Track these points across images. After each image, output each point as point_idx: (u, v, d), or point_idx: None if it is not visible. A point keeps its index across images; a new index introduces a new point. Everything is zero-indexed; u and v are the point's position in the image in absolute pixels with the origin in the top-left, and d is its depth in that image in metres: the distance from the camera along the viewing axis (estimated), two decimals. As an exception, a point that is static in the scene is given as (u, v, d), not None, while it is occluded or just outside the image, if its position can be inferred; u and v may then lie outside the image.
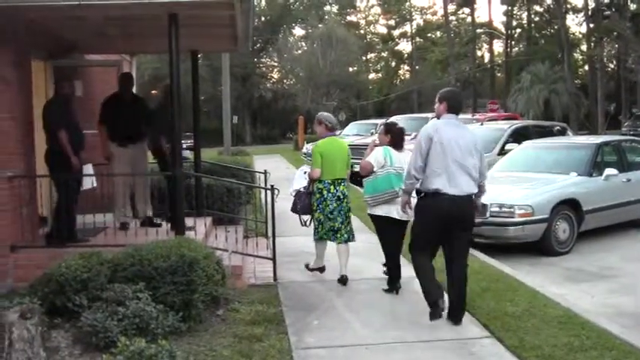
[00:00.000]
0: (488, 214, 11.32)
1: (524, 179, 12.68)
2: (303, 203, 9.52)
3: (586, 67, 63.05)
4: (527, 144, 14.92)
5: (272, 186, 9.80)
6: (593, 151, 13.12)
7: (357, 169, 9.39)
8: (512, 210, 11.24)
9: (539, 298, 8.35)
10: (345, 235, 9.46)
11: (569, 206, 11.78)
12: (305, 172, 9.67)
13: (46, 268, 7.34)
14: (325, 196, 9.36)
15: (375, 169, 8.83)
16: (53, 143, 9.42)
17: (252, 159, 24.90)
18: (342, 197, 9.41)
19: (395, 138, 9.00)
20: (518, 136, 16.83)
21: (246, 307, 8.01)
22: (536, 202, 11.41)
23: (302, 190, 9.56)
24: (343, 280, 9.30)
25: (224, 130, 32.94)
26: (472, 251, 10.99)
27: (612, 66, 66.00)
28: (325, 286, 9.19)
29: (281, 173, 17.75)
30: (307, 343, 7.03)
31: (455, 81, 68.47)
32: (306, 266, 10.00)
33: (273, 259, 9.68)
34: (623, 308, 8.44)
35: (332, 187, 9.36)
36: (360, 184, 9.69)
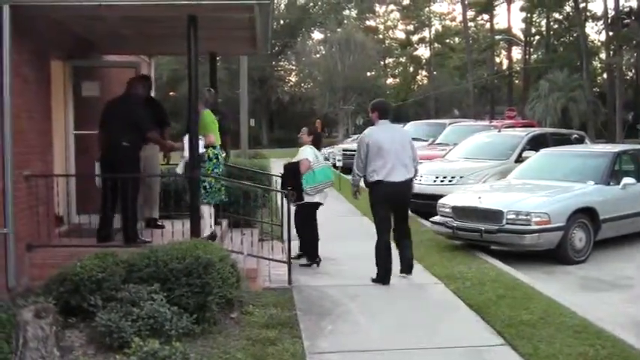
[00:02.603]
0: (504, 222, 11.28)
1: (541, 187, 12.61)
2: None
3: (604, 76, 62.73)
4: (544, 152, 14.84)
5: (288, 188, 9.81)
6: (611, 159, 13.03)
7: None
8: (528, 217, 11.18)
9: (554, 307, 8.30)
10: (225, 195, 10.48)
11: (585, 215, 11.70)
12: (201, 139, 9.97)
13: (62, 268, 7.36)
14: (220, 161, 10.40)
15: (311, 164, 10.52)
16: (125, 141, 9.50)
17: (269, 162, 24.90)
18: (219, 162, 10.48)
19: (315, 138, 11.02)
20: (536, 143, 16.71)
21: (260, 310, 8.01)
22: (552, 210, 11.35)
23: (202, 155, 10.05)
24: (213, 237, 9.90)
25: (241, 132, 32.97)
26: (488, 259, 11.06)
27: (631, 74, 65.65)
28: (340, 291, 9.18)
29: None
30: (321, 348, 7.02)
31: (472, 87, 68.30)
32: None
33: (288, 263, 9.68)
34: (639, 318, 8.36)
35: (222, 151, 10.58)
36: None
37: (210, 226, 10.12)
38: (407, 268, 9.97)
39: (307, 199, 10.57)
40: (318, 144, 11.08)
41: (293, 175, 10.66)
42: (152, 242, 9.32)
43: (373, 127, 10.01)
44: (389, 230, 9.82)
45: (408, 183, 9.78)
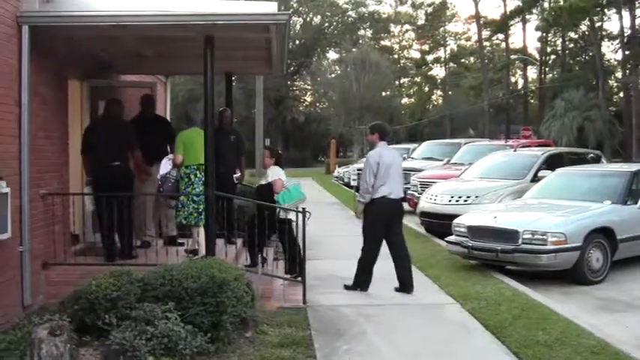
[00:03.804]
0: (520, 241, 11.21)
1: (557, 206, 12.53)
2: (168, 187, 10.39)
3: (621, 95, 62.51)
4: (560, 171, 14.76)
5: (304, 209, 9.81)
6: (628, 179, 12.94)
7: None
8: (545, 237, 11.11)
9: (571, 327, 8.23)
10: (202, 218, 10.11)
11: (602, 234, 11.61)
12: (169, 159, 10.49)
13: (77, 286, 7.39)
14: (192, 180, 10.27)
15: (284, 183, 10.85)
16: (127, 161, 9.84)
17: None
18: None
19: (278, 159, 11.18)
20: (552, 163, 16.62)
21: (274, 329, 7.99)
22: (569, 230, 11.27)
23: (168, 175, 10.42)
24: (196, 252, 10.13)
25: (256, 152, 33.09)
26: (504, 279, 10.97)
27: (648, 93, 65.30)
28: (355, 311, 9.14)
29: (312, 196, 17.78)
30: (336, 368, 6.99)
31: (488, 107, 68.17)
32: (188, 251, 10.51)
33: (303, 282, 9.65)
34: (657, 339, 8.28)
35: (197, 172, 10.27)
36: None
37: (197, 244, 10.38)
38: (410, 287, 10.24)
39: (282, 215, 10.66)
40: (280, 164, 11.19)
41: (268, 195, 10.75)
42: (138, 257, 9.80)
43: (378, 148, 10.37)
44: (380, 245, 10.28)
45: (402, 200, 10.52)
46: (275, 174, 10.89)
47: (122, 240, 9.94)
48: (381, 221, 10.17)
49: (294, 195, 10.88)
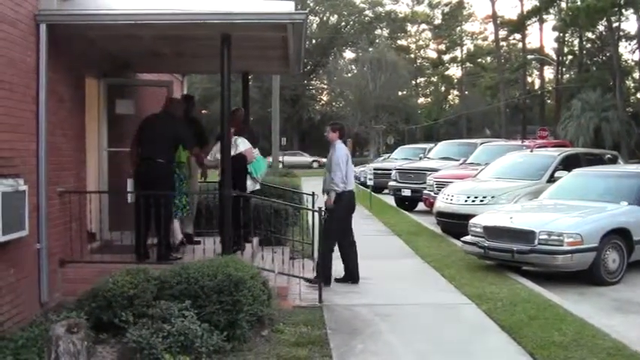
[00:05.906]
0: (536, 242, 11.18)
1: (573, 207, 12.47)
2: None
3: (638, 95, 62.18)
4: (577, 172, 14.68)
5: (320, 208, 9.82)
6: (645, 180, 12.87)
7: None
8: (561, 238, 11.06)
9: (587, 328, 8.19)
10: (187, 210, 10.76)
11: (619, 235, 11.55)
12: None
13: (94, 284, 7.43)
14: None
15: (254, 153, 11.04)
16: (160, 158, 9.68)
17: (300, 180, 24.97)
18: (183, 178, 10.68)
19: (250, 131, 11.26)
20: (568, 163, 16.53)
21: (290, 328, 8.01)
22: (585, 231, 11.22)
23: None
24: (182, 243, 10.57)
25: (273, 151, 33.10)
26: (519, 279, 10.94)
27: (665, 94, 64.91)
28: (371, 310, 9.14)
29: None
30: (351, 367, 6.99)
31: (504, 107, 67.93)
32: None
33: (319, 281, 9.65)
34: (674, 341, 8.22)
35: (177, 168, 10.42)
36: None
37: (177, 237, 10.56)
38: (357, 278, 10.85)
39: (250, 187, 11.04)
40: (244, 136, 11.07)
41: (242, 167, 10.70)
42: (182, 259, 9.42)
43: (342, 144, 10.90)
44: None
45: None
46: (245, 143, 10.85)
47: (158, 241, 9.70)
48: (349, 212, 10.85)
49: (262, 165, 11.19)
